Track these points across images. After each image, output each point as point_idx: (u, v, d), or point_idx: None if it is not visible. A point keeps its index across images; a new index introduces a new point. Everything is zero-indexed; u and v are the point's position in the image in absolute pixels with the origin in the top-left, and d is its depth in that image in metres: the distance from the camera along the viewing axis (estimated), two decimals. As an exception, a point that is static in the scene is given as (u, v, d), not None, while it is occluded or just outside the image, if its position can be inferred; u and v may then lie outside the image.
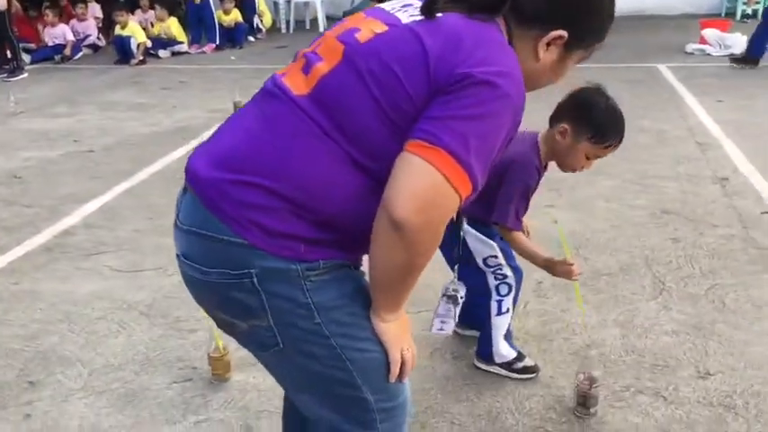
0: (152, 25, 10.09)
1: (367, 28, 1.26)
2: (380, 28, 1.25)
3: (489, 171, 1.20)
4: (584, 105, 2.08)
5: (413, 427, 2.11)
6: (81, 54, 10.01)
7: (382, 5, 1.33)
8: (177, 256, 1.30)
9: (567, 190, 4.04)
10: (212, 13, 9.77)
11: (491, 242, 2.25)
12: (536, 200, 3.78)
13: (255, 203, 1.18)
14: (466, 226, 2.22)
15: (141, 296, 2.98)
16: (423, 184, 1.11)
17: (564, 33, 1.26)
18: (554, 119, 2.13)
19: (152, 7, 10.39)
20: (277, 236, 1.18)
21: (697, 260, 3.11)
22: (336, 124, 1.19)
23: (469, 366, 2.43)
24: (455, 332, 2.61)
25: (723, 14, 10.99)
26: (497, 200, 2.14)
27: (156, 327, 2.75)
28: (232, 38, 10.27)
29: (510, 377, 2.35)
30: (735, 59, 7.26)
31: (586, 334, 2.56)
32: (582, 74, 5.41)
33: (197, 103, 6.78)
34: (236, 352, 2.55)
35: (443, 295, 1.67)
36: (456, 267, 1.68)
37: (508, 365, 2.36)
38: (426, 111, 1.15)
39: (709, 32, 8.07)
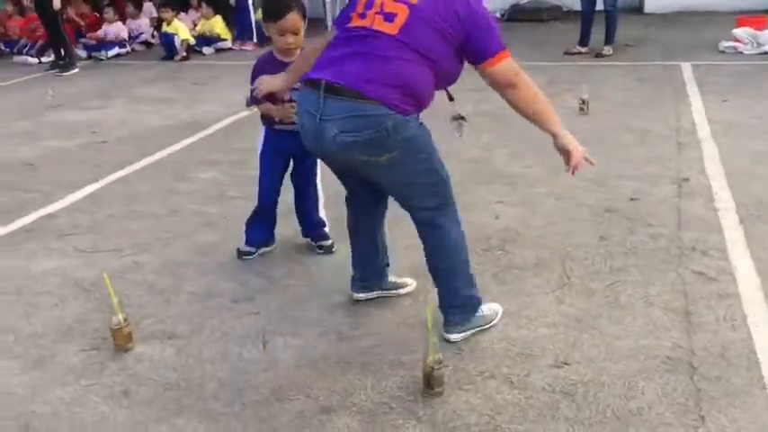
0: (194, 24, 10.57)
1: None
2: None
3: None
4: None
5: (270, 399, 2.32)
6: (125, 51, 10.51)
7: None
8: (334, 135, 2.23)
9: (523, 186, 4.12)
10: (249, 14, 10.17)
11: None
12: (485, 195, 3.94)
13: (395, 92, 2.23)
14: None
15: (89, 274, 3.28)
16: (505, 65, 2.30)
17: None
18: None
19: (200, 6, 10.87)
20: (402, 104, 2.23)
21: (613, 257, 3.16)
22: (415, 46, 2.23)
23: (349, 348, 2.60)
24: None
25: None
26: None
27: (90, 302, 3.04)
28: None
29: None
30: None
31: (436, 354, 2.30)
32: (602, 71, 5.49)
33: (219, 97, 7.13)
34: (150, 326, 2.82)
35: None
36: None
37: None
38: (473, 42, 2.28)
39: (740, 31, 7.82)
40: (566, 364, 2.42)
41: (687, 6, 11.04)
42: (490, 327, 2.64)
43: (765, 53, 7.63)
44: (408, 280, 2.96)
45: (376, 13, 2.25)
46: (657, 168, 4.29)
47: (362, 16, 2.28)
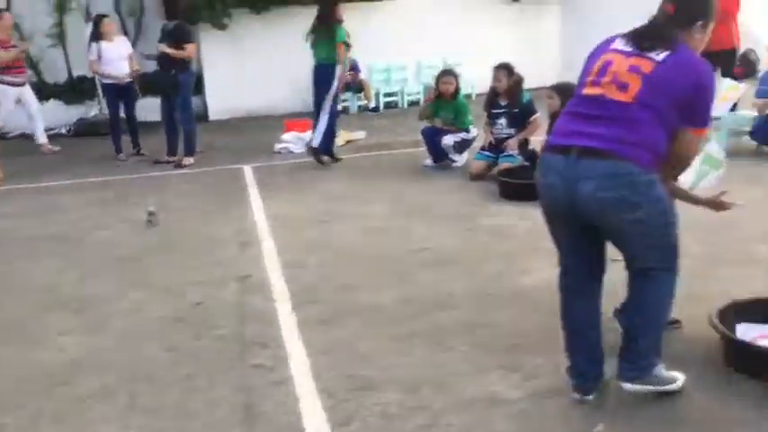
0: None
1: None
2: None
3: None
4: None
5: None
6: None
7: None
8: (591, 192, 2.45)
9: (92, 309, 4.01)
10: None
11: None
12: (52, 326, 3.71)
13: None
14: None
15: None
16: (698, 139, 2.62)
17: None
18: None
19: None
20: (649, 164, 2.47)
21: (181, 367, 3.25)
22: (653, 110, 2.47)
23: None
24: None
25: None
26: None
27: None
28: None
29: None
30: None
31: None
32: (171, 180, 5.44)
33: None
34: None
35: None
36: None
37: None
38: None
39: (287, 135, 8.94)
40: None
41: (246, 112, 12.07)
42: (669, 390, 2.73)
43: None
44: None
45: (610, 82, 2.48)
46: (223, 270, 4.55)
47: (596, 84, 2.53)
